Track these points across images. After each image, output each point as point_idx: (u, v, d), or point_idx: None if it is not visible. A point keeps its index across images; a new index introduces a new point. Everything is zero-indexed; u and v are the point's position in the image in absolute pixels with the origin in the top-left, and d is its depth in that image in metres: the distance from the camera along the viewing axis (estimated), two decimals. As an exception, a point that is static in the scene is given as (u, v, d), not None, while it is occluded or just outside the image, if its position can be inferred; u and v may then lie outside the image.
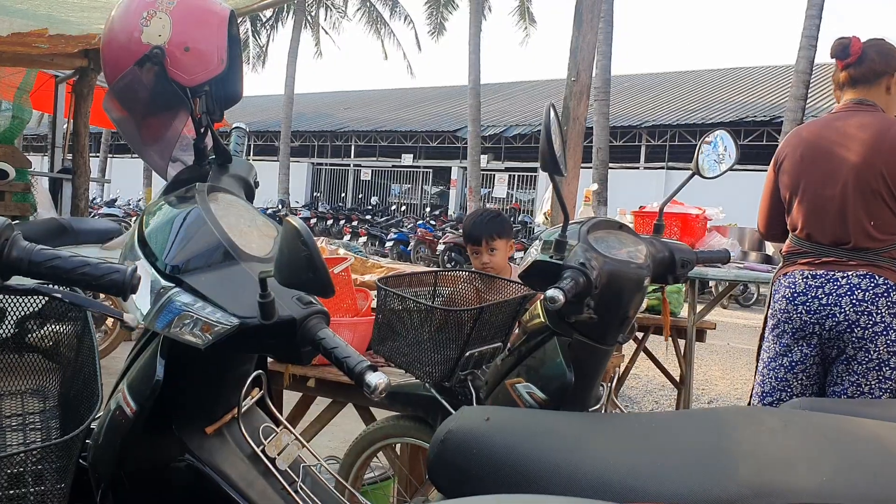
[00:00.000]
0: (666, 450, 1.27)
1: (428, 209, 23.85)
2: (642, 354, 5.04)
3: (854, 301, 2.54)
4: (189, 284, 1.23)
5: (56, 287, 1.11)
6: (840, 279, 2.57)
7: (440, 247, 16.39)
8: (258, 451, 1.41)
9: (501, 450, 1.27)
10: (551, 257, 1.67)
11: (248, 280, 1.23)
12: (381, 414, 2.57)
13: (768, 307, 2.81)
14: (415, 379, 2.11)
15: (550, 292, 1.51)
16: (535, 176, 23.14)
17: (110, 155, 26.34)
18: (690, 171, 2.00)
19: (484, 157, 22.55)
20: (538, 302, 1.85)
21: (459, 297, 2.29)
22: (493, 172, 24.02)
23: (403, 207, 24.39)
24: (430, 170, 26.05)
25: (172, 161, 1.55)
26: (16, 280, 1.06)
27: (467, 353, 1.96)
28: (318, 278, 1.06)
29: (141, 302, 1.25)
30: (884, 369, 2.55)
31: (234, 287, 1.23)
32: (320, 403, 2.82)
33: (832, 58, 2.74)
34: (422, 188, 26.51)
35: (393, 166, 26.91)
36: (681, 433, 1.32)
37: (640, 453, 1.26)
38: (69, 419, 1.45)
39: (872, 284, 2.54)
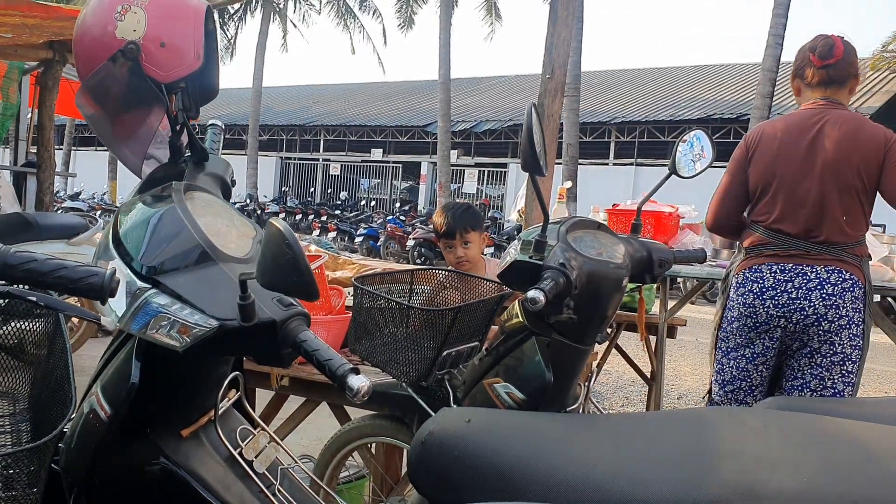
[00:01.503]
0: (648, 451, 1.27)
1: (398, 204, 23.79)
2: (613, 350, 5.07)
3: (824, 295, 2.59)
4: (166, 286, 1.20)
5: (28, 289, 1.08)
6: (809, 273, 2.62)
7: (410, 242, 16.34)
8: (235, 453, 1.39)
9: (483, 452, 1.27)
10: (531, 257, 1.67)
11: (226, 281, 1.21)
12: (355, 412, 2.55)
13: (725, 298, 2.85)
14: (391, 378, 2.09)
15: (531, 293, 1.51)
16: (505, 171, 23.18)
17: (74, 147, 25.93)
18: (667, 170, 2.02)
19: (454, 153, 22.56)
20: (516, 302, 1.85)
21: (436, 295, 2.28)
22: (463, 168, 24.02)
23: (373, 202, 24.27)
24: (400, 165, 25.98)
25: (147, 158, 1.52)
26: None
27: (444, 353, 1.95)
28: (303, 282, 1.04)
29: (116, 303, 1.21)
30: (847, 364, 2.62)
31: (213, 288, 1.20)
32: (293, 402, 2.80)
33: (818, 56, 2.73)
34: (391, 183, 26.43)
35: (362, 161, 26.79)
36: (662, 434, 1.33)
37: (622, 455, 1.26)
38: (41, 423, 1.41)
39: (840, 279, 2.60)
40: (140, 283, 1.22)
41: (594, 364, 4.12)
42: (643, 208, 2.09)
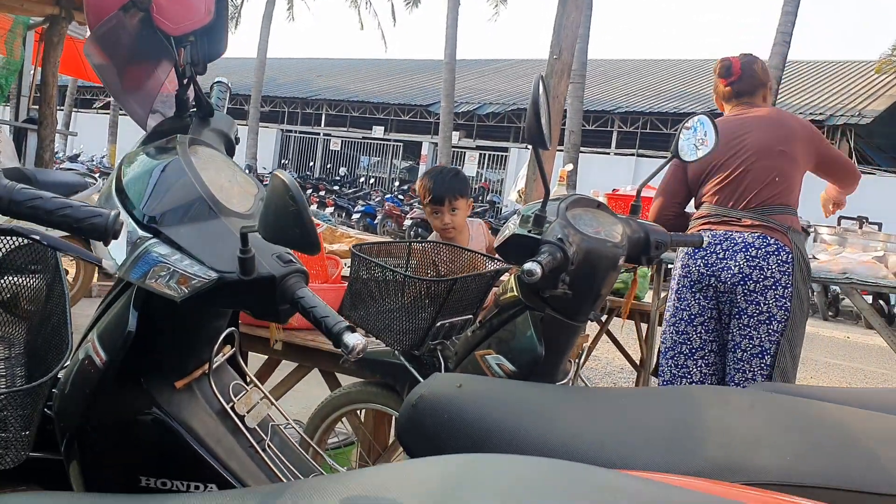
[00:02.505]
0: (635, 424, 1.29)
1: (396, 183, 23.72)
2: (603, 337, 5.09)
3: (748, 257, 2.81)
4: (167, 236, 1.21)
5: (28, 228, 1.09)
6: (736, 238, 2.85)
7: (407, 222, 16.36)
8: (227, 407, 1.40)
9: (473, 417, 1.28)
10: (529, 231, 1.68)
11: (227, 235, 1.22)
12: (346, 380, 2.57)
13: (674, 275, 3.05)
14: (384, 346, 2.11)
15: (528, 265, 1.52)
16: (506, 156, 23.15)
17: (75, 109, 25.79)
18: (669, 154, 2.03)
19: (455, 134, 22.48)
20: (511, 276, 1.86)
21: (432, 267, 2.29)
22: (464, 150, 23.97)
23: (372, 180, 24.22)
24: (401, 143, 25.91)
25: (152, 112, 1.52)
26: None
27: (438, 324, 1.97)
28: (306, 234, 1.04)
29: (116, 252, 1.22)
30: (772, 323, 2.80)
31: (214, 241, 1.21)
32: (284, 367, 2.81)
33: (719, 77, 3.17)
34: (391, 162, 26.37)
35: (363, 138, 26.71)
36: (650, 409, 1.35)
37: (609, 426, 1.28)
38: (36, 367, 1.42)
39: (765, 244, 2.81)
40: (141, 233, 1.22)
41: (584, 345, 4.15)
42: (643, 195, 2.10)
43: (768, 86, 3.16)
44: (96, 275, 6.11)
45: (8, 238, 1.23)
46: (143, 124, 1.49)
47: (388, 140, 26.13)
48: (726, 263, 2.83)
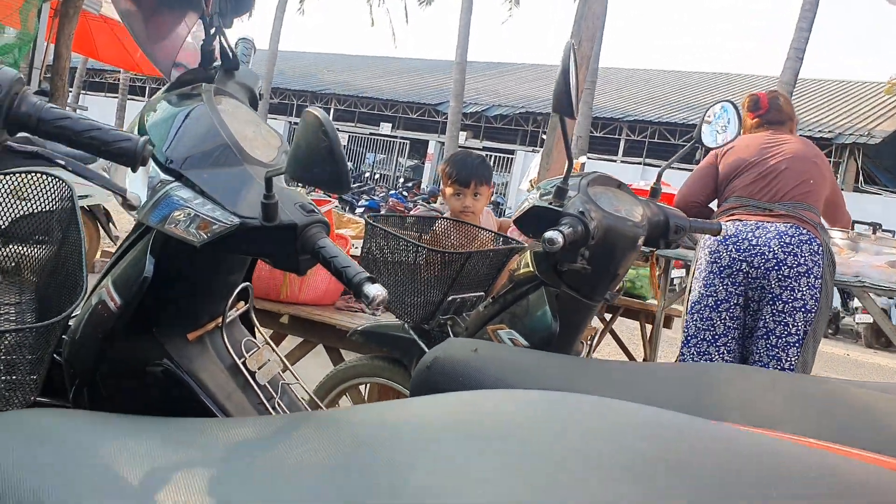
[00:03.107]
0: (652, 399, 1.26)
1: (401, 181, 23.69)
2: (606, 336, 5.07)
3: (782, 243, 2.84)
4: (189, 179, 1.19)
5: (53, 154, 1.06)
6: (769, 226, 2.89)
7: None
8: (239, 362, 1.38)
9: (488, 381, 1.26)
10: (550, 204, 1.66)
11: (250, 181, 1.20)
12: (350, 356, 2.55)
13: (693, 269, 3.06)
14: (392, 321, 2.09)
15: (549, 234, 1.50)
16: (512, 158, 23.14)
17: (83, 91, 25.78)
18: (693, 139, 2.01)
19: (463, 134, 22.45)
20: (527, 252, 1.84)
21: (443, 244, 2.27)
22: (470, 150, 23.93)
23: (377, 176, 24.20)
24: (407, 141, 25.89)
25: (175, 65, 1.51)
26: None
27: (450, 298, 1.95)
28: (336, 171, 1.02)
29: (137, 191, 1.20)
30: (804, 311, 2.81)
31: (236, 186, 1.19)
32: (288, 345, 2.79)
33: (748, 110, 3.30)
34: (396, 159, 26.34)
35: (370, 134, 26.69)
36: (668, 384, 1.32)
37: (627, 398, 1.25)
38: (47, 313, 1.40)
39: (797, 232, 2.85)
40: (163, 176, 1.20)
41: (589, 337, 4.13)
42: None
43: (795, 120, 3.33)
44: (99, 251, 6.10)
45: (23, 175, 1.21)
46: (167, 74, 1.47)
47: (395, 137, 26.12)
48: (759, 249, 2.86)
